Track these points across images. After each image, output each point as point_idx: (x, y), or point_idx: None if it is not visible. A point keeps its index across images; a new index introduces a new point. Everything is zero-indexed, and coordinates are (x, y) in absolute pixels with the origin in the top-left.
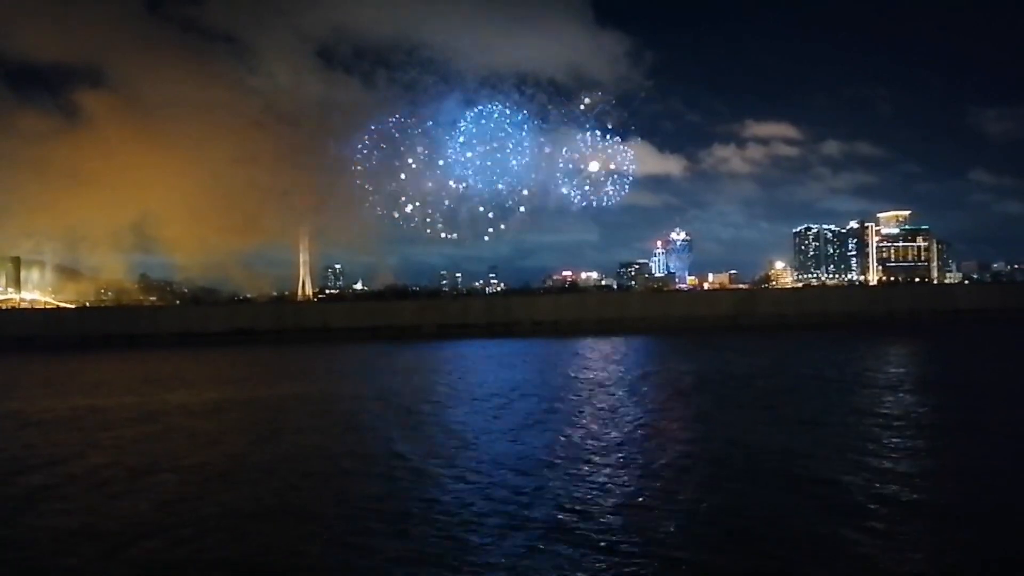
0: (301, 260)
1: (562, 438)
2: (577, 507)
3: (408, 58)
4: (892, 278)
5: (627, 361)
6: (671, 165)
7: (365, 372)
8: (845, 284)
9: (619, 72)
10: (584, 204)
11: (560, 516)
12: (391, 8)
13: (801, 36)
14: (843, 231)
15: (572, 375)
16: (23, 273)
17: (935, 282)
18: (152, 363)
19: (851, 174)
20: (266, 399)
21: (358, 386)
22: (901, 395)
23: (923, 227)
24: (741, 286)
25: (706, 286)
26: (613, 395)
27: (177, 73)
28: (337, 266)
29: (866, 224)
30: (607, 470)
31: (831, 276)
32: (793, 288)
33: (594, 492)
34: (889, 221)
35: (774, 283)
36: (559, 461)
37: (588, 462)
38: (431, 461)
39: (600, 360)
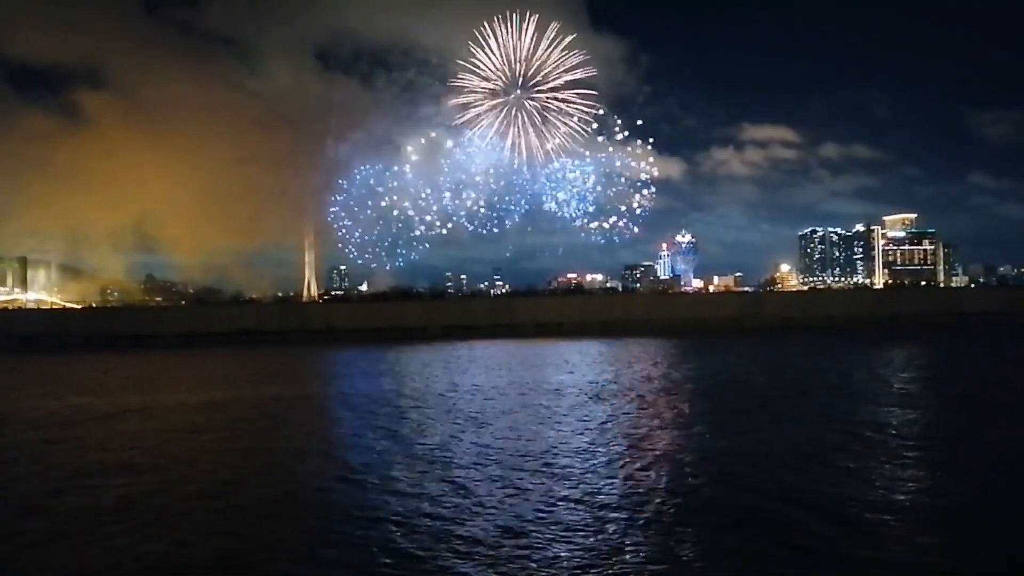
0: (306, 261)
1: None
2: None
3: (405, 59)
4: (898, 281)
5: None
6: (670, 168)
7: (345, 374)
8: (851, 287)
9: (615, 76)
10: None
11: None
12: (387, 11)
13: (795, 39)
14: (849, 234)
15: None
16: (29, 273)
17: (941, 285)
18: (143, 364)
19: (851, 176)
20: (229, 402)
21: (327, 388)
22: (877, 405)
23: (929, 230)
24: (746, 289)
25: (711, 288)
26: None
27: (177, 74)
28: (342, 267)
29: (872, 227)
30: None
31: (837, 279)
32: (799, 291)
33: None
34: (895, 224)
35: (780, 286)
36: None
37: None
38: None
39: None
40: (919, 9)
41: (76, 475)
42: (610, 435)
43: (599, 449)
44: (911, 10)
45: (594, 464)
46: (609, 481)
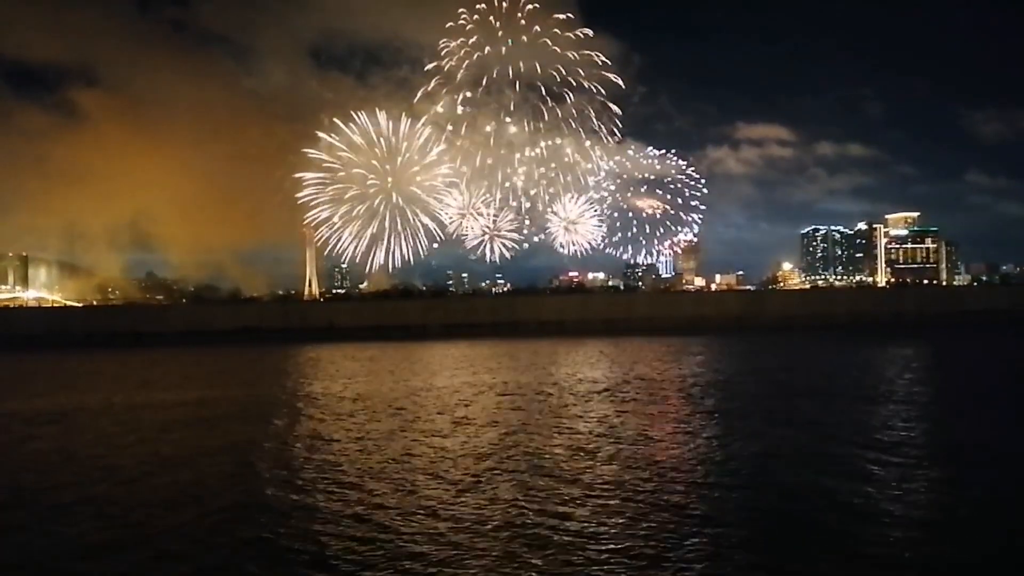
0: (308, 259)
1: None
2: None
3: (397, 57)
4: (901, 280)
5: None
6: (666, 167)
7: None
8: (853, 285)
9: (608, 75)
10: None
11: None
12: (380, 10)
13: (787, 38)
14: (851, 232)
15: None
16: (30, 271)
17: (944, 284)
18: (138, 362)
19: (847, 175)
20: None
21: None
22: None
23: (931, 228)
24: (748, 287)
25: (713, 287)
26: None
27: (171, 72)
28: (343, 265)
29: (874, 225)
30: None
31: (839, 277)
32: (800, 289)
33: None
34: (897, 223)
35: (782, 284)
36: None
37: None
38: None
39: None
40: (908, 8)
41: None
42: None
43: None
44: (900, 8)
45: None
46: None
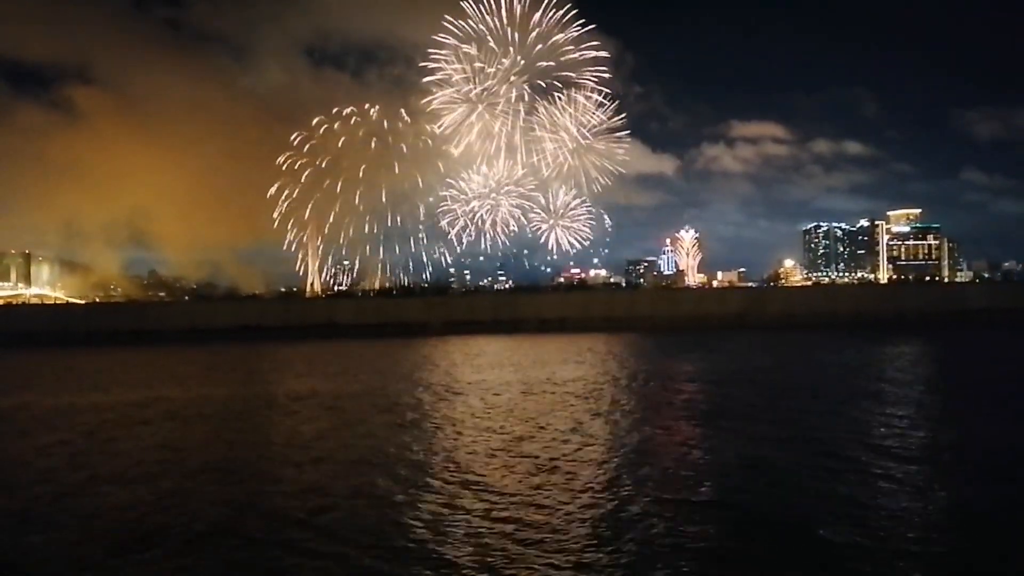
0: (309, 256)
1: None
2: None
3: (392, 55)
4: (903, 276)
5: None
6: (664, 164)
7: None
8: (855, 283)
9: (602, 73)
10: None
11: None
12: (374, 9)
13: (781, 37)
14: (853, 229)
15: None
16: (32, 268)
17: (946, 281)
18: (133, 360)
19: (844, 173)
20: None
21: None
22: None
23: (934, 225)
24: (750, 284)
25: (715, 284)
26: None
27: (167, 70)
28: (345, 263)
29: (876, 222)
30: None
31: (841, 274)
32: (802, 287)
33: None
34: (899, 219)
35: (784, 281)
36: None
37: None
38: None
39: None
40: (902, 5)
41: None
42: None
43: None
44: (894, 6)
45: None
46: None
